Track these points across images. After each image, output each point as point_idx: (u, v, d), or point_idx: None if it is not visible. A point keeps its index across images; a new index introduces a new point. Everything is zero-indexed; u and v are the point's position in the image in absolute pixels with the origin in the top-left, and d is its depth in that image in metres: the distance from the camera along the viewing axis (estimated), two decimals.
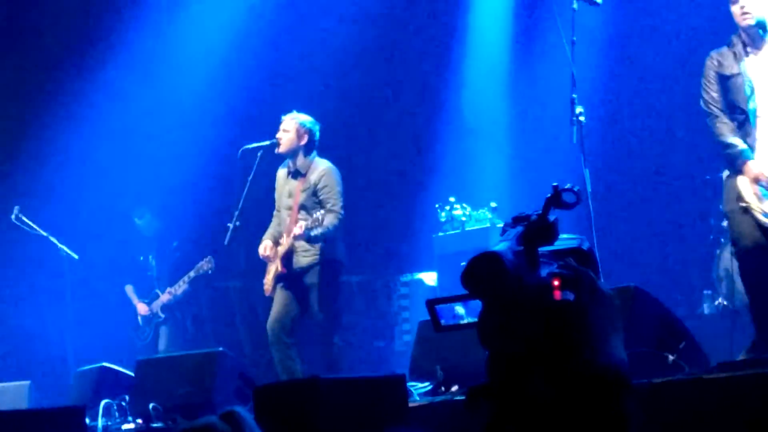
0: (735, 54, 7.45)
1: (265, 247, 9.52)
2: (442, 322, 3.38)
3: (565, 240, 3.37)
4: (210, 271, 11.29)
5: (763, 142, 7.36)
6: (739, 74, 7.41)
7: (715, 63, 7.50)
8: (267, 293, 9.51)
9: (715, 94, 7.48)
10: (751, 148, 7.35)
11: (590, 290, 3.12)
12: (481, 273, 3.08)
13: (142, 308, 11.86)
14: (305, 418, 5.53)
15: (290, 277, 9.40)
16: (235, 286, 12.27)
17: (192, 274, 11.40)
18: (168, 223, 12.05)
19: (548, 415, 2.99)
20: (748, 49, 7.43)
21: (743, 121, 7.39)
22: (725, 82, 7.45)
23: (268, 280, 9.51)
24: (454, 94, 12.03)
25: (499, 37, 11.78)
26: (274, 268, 9.46)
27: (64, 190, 12.27)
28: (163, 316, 11.75)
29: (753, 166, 7.30)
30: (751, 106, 7.35)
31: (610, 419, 2.89)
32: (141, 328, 11.89)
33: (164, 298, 11.71)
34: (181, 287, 11.57)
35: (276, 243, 9.50)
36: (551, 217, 3.31)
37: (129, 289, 12.05)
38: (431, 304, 3.44)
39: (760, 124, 7.36)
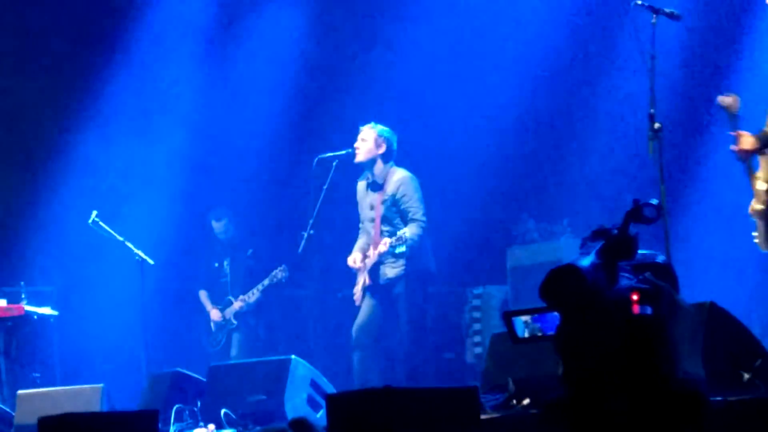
0: None
1: (354, 260, 9.57)
2: (519, 334, 3.39)
3: (641, 254, 3.36)
4: (284, 280, 11.32)
5: None
6: None
7: None
8: (357, 303, 9.56)
9: None
10: None
11: (669, 305, 3.10)
12: (561, 286, 3.08)
13: (215, 314, 11.92)
14: (378, 427, 5.53)
15: (378, 287, 9.44)
16: (308, 294, 12.31)
17: (266, 282, 11.45)
18: (243, 231, 12.11)
19: (623, 429, 2.98)
20: None
21: None
22: None
23: (358, 290, 9.56)
24: (529, 108, 11.97)
25: (577, 51, 11.71)
26: (362, 280, 9.51)
27: (140, 194, 12.40)
28: (235, 323, 11.80)
29: None
30: None
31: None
32: (213, 334, 11.95)
33: (237, 305, 11.76)
34: (254, 295, 11.61)
35: (365, 255, 9.54)
36: (631, 232, 3.30)
37: (203, 295, 12.12)
38: (508, 316, 3.45)
39: None
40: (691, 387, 2.98)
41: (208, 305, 12.01)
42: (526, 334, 3.45)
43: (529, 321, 3.44)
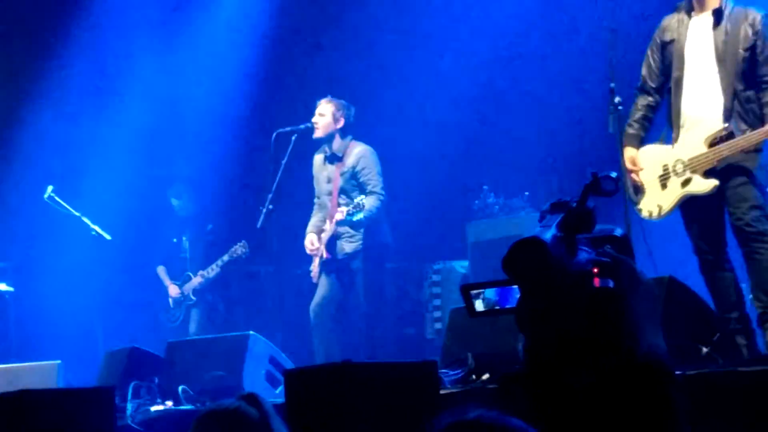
0: (678, 19, 7.30)
1: (311, 242, 9.53)
2: (477, 307, 3.35)
3: (599, 228, 3.34)
4: (244, 256, 11.28)
5: (693, 111, 7.19)
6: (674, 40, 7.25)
7: (660, 29, 7.39)
8: (314, 280, 9.52)
9: (648, 67, 7.37)
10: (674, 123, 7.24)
11: (630, 278, 3.08)
12: (525, 259, 3.04)
13: (173, 290, 11.85)
14: (336, 402, 5.50)
15: (336, 262, 9.40)
16: (267, 270, 12.26)
17: (225, 257, 11.39)
18: (203, 206, 12.04)
19: (586, 403, 2.96)
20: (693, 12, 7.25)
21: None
22: (664, 49, 7.32)
23: (315, 266, 9.52)
24: (489, 78, 11.94)
25: (536, 22, 11.69)
26: (319, 255, 9.46)
27: (98, 170, 12.30)
28: (194, 299, 11.73)
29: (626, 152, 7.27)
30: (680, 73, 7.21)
31: (658, 408, 2.85)
32: (171, 310, 11.88)
33: (196, 281, 11.69)
34: (213, 270, 11.56)
35: (319, 233, 9.50)
36: (590, 204, 3.27)
37: (161, 271, 12.04)
38: (466, 289, 3.41)
39: (687, 94, 7.19)
40: (657, 360, 2.95)
41: (167, 281, 11.94)
42: (482, 308, 3.41)
43: (485, 294, 3.40)
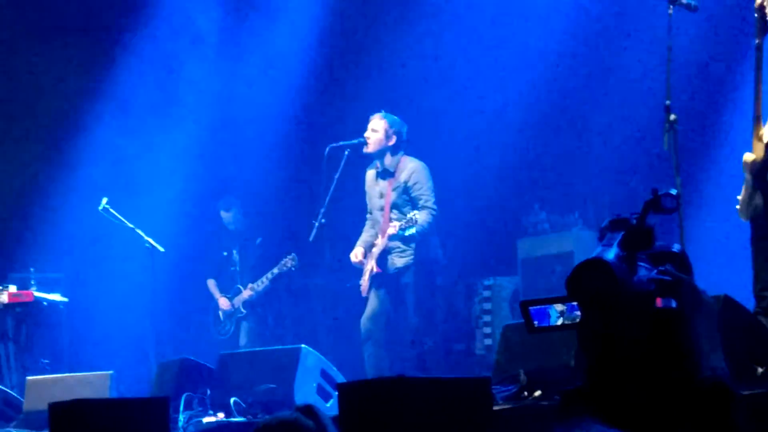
0: None
1: (356, 254, 9.55)
2: (536, 323, 3.36)
3: (656, 245, 3.34)
4: (293, 269, 11.31)
5: None
6: None
7: None
8: (363, 293, 9.52)
9: None
10: None
11: (691, 297, 3.08)
12: (591, 279, 3.05)
13: (223, 303, 11.90)
14: (389, 416, 5.50)
15: (386, 276, 9.42)
16: (318, 283, 12.30)
17: (275, 270, 11.43)
18: (253, 219, 12.09)
19: (648, 424, 2.95)
20: None
21: None
22: None
23: (365, 280, 9.53)
24: (541, 98, 11.93)
25: (591, 40, 11.67)
26: (369, 268, 9.48)
27: (151, 182, 12.39)
28: (244, 311, 11.78)
29: None
30: None
31: (723, 431, 2.84)
32: (222, 323, 11.94)
33: (246, 293, 11.74)
34: (263, 283, 11.60)
35: (369, 247, 9.52)
36: (650, 222, 3.27)
37: (211, 284, 12.10)
38: (525, 305, 3.42)
39: None
40: (719, 381, 2.94)
41: (217, 293, 12.00)
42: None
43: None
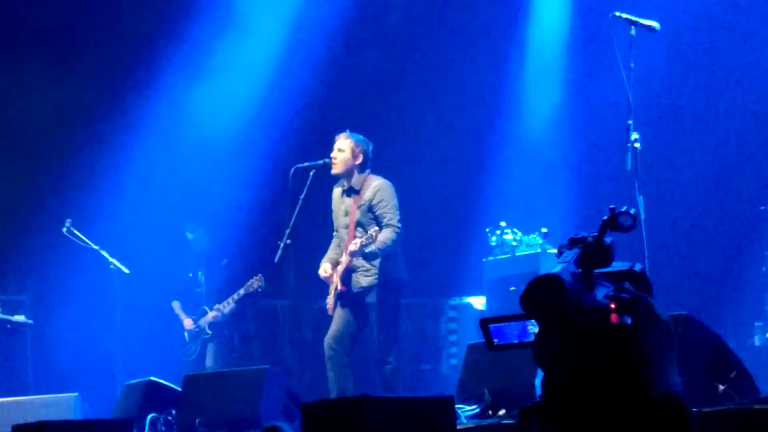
0: None
1: (324, 269, 9.54)
2: (496, 341, 3.38)
3: (618, 264, 3.38)
4: (260, 290, 11.28)
5: None
6: None
7: None
8: (329, 312, 9.50)
9: None
10: None
11: (647, 315, 3.11)
12: (543, 295, 3.07)
13: (188, 323, 11.85)
14: None
15: (350, 296, 9.41)
16: (284, 304, 12.28)
17: (241, 291, 11.40)
18: (219, 241, 12.06)
19: None
20: None
21: None
22: None
23: (330, 299, 9.51)
24: (506, 119, 12.00)
25: (555, 61, 11.76)
26: (334, 288, 9.47)
27: (116, 204, 12.36)
28: (210, 332, 11.74)
29: None
30: None
31: None
32: (187, 344, 11.88)
33: (212, 315, 11.70)
34: (229, 305, 11.57)
35: (335, 264, 9.51)
36: (607, 240, 3.30)
37: (176, 305, 12.05)
38: (485, 323, 3.44)
39: None
40: (672, 396, 2.98)
41: (182, 314, 11.95)
42: (503, 342, 3.44)
43: (505, 328, 3.43)
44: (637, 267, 3.24)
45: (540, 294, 3.11)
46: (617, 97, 8.15)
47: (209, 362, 11.68)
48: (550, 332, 3.17)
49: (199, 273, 11.97)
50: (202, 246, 11.97)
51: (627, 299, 3.13)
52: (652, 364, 3.04)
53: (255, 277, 11.27)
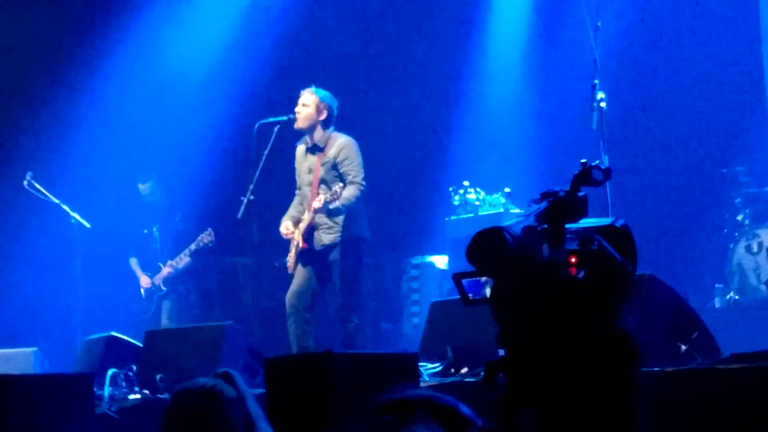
0: None
1: (286, 227, 9.49)
2: (470, 296, 3.36)
3: (600, 219, 3.37)
4: (210, 244, 11.23)
5: None
6: None
7: None
8: (290, 270, 9.47)
9: None
10: None
11: (606, 266, 3.11)
12: (484, 249, 3.07)
13: (144, 281, 11.76)
14: (317, 391, 5.50)
15: (312, 253, 9.37)
16: (246, 261, 12.23)
17: (192, 247, 11.34)
18: (174, 195, 11.95)
19: (562, 386, 2.99)
20: None
21: None
22: None
23: (291, 257, 9.48)
24: (472, 77, 11.98)
25: (520, 20, 11.73)
26: (295, 245, 9.43)
27: (78, 158, 12.25)
28: (165, 289, 11.65)
29: None
30: None
31: (622, 383, 2.90)
32: (143, 301, 11.80)
33: (165, 271, 11.61)
34: (182, 260, 11.50)
35: (296, 222, 9.47)
36: (580, 194, 3.29)
37: (133, 262, 11.95)
38: (458, 277, 3.41)
39: None
40: (619, 333, 2.99)
41: (138, 272, 11.85)
42: (478, 296, 3.42)
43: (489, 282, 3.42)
44: (619, 223, 3.23)
45: (480, 246, 3.11)
46: (583, 56, 8.14)
47: (164, 320, 11.59)
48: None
49: (154, 229, 11.84)
50: (154, 198, 11.80)
51: (581, 252, 3.13)
52: (607, 314, 3.05)
53: (205, 232, 11.22)
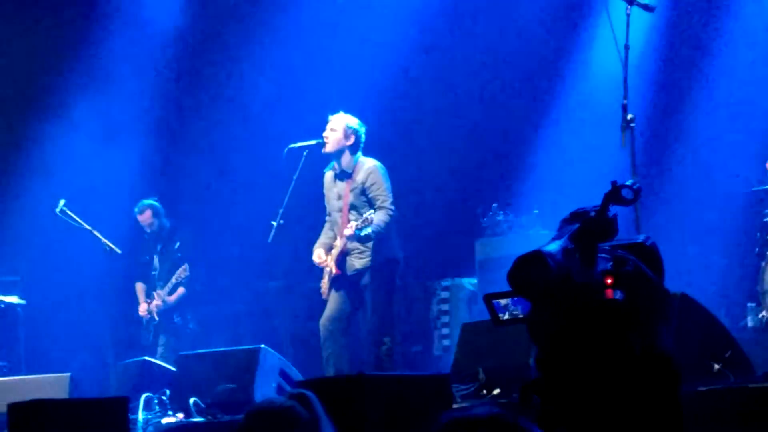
0: None
1: (318, 255, 9.53)
2: (501, 316, 3.38)
3: (629, 237, 3.38)
4: (185, 280, 11.06)
5: None
6: None
7: None
8: (324, 296, 9.50)
9: None
10: None
11: (643, 286, 3.11)
12: (526, 273, 3.08)
13: (142, 308, 11.50)
14: (350, 413, 5.51)
15: (345, 279, 9.41)
16: (277, 285, 12.22)
17: (173, 281, 11.17)
18: (172, 223, 11.75)
19: (600, 408, 2.99)
20: None
21: None
22: None
23: (324, 283, 9.51)
24: (501, 99, 11.99)
25: (550, 41, 11.74)
26: (328, 272, 9.47)
27: (109, 184, 12.30)
28: (157, 319, 11.40)
29: None
30: None
31: (668, 406, 2.89)
32: (143, 329, 11.61)
33: (154, 303, 11.37)
34: (169, 294, 11.30)
35: (328, 249, 9.51)
36: (610, 213, 3.30)
37: (139, 287, 11.63)
38: (489, 298, 3.43)
39: None
40: (660, 354, 2.99)
41: (141, 298, 11.55)
42: (507, 317, 3.45)
43: (509, 304, 3.44)
44: (648, 242, 3.23)
45: (523, 271, 3.11)
46: (612, 77, 8.15)
47: (160, 351, 11.20)
48: (541, 309, 3.18)
49: (155, 256, 11.66)
50: (153, 228, 11.56)
51: (624, 273, 3.13)
52: (645, 332, 3.05)
53: (182, 267, 11.09)
